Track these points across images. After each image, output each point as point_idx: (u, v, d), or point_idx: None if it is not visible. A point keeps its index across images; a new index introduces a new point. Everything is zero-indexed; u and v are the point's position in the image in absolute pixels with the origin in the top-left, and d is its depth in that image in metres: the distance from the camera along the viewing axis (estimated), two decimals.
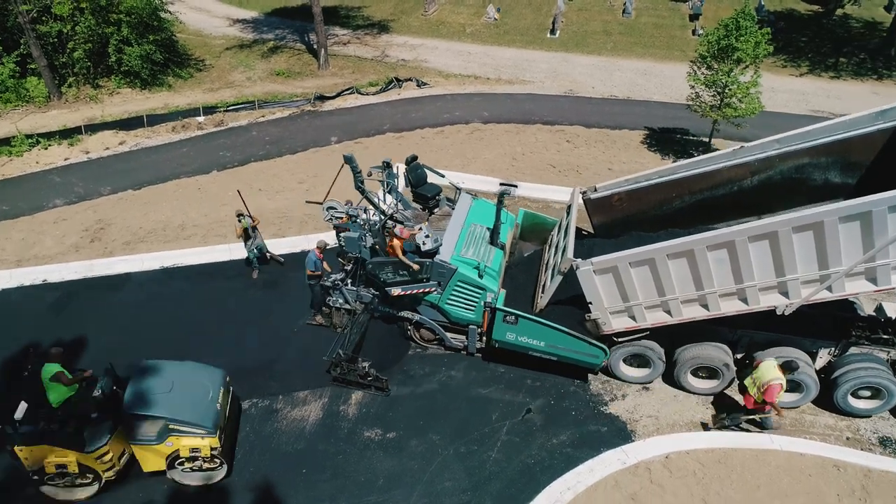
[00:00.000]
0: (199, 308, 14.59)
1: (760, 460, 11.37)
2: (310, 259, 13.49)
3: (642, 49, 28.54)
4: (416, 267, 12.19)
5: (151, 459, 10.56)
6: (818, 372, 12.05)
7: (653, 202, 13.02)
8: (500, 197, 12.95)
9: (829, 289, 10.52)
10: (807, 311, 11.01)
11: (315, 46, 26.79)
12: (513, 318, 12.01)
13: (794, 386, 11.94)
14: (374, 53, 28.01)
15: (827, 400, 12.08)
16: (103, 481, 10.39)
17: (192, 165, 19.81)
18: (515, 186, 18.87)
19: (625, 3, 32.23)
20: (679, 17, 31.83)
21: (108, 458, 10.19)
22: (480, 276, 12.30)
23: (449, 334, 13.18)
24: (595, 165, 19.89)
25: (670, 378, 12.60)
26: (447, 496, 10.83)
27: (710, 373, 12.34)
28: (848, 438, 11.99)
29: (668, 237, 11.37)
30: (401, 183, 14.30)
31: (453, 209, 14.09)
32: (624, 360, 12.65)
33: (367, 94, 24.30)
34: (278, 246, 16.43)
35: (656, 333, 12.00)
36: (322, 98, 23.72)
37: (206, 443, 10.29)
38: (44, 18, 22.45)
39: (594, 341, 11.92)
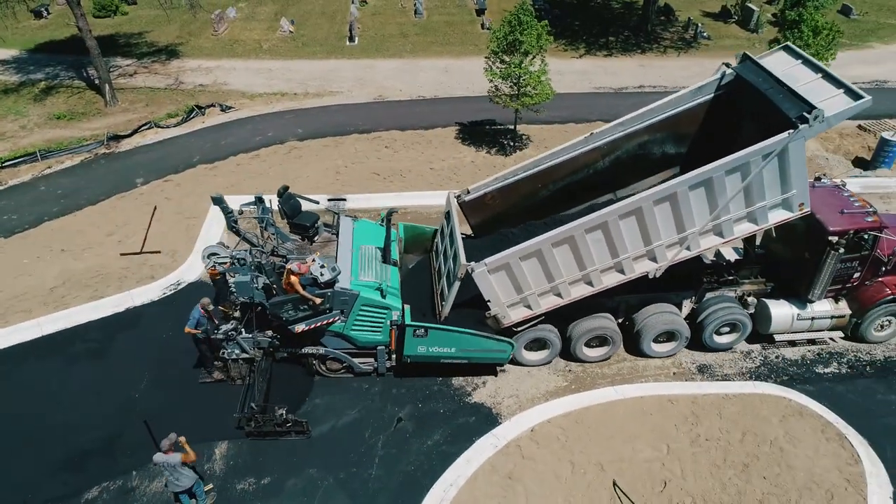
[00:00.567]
0: (14, 398, 12.87)
1: (609, 412, 12.65)
2: (192, 318, 12.38)
3: (439, 47, 29.75)
4: (317, 301, 11.74)
5: None
6: (686, 317, 13.65)
7: (522, 195, 13.74)
8: (388, 215, 12.99)
9: (688, 248, 12.09)
10: (667, 269, 12.37)
11: (97, 82, 24.41)
12: (423, 331, 12.10)
13: (669, 336, 13.51)
14: (166, 82, 26.19)
15: (695, 342, 13.75)
16: None
17: None
18: (344, 200, 19.03)
19: (415, 4, 33.33)
20: (467, 12, 33.60)
21: None
22: (384, 297, 12.22)
23: (356, 360, 12.97)
24: (417, 167, 20.50)
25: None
26: None
27: (601, 341, 13.48)
28: (675, 373, 13.75)
29: (550, 226, 12.19)
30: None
31: (333, 234, 13.79)
32: (525, 347, 13.29)
33: (168, 127, 22.72)
34: (100, 308, 14.93)
35: (549, 316, 12.78)
36: (117, 138, 21.76)
37: None
38: None
39: (501, 337, 12.42)
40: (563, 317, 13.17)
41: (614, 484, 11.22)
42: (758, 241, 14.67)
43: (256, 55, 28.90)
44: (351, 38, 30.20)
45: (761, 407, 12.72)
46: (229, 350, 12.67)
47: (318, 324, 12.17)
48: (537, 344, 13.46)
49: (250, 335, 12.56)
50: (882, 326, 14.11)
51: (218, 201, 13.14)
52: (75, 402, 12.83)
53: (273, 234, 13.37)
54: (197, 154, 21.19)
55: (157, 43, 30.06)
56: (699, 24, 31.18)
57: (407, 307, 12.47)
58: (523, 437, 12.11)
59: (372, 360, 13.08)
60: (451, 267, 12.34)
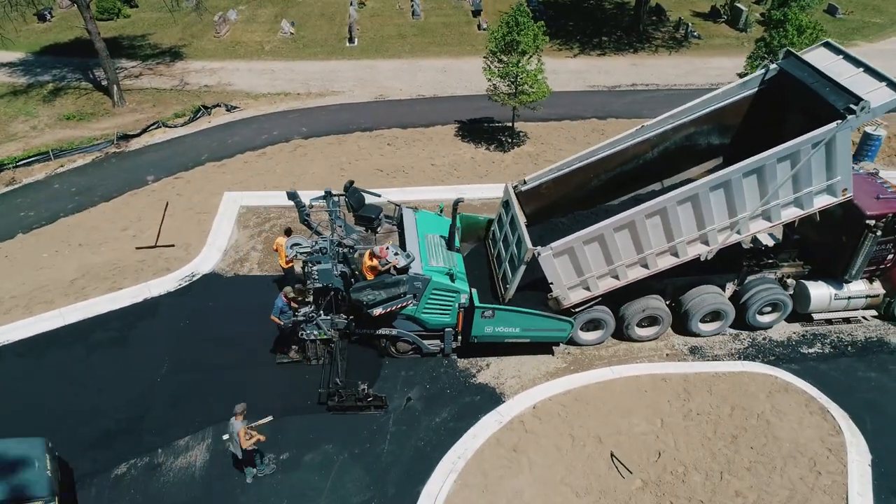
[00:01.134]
0: (41, 383, 13.53)
1: (607, 390, 13.42)
2: (276, 306, 13.12)
3: (437, 48, 30.48)
4: (399, 263, 12.49)
5: None
6: (730, 299, 14.51)
7: (574, 185, 14.55)
8: (455, 205, 13.71)
9: (738, 232, 12.91)
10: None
11: (105, 83, 25.04)
12: (490, 312, 12.85)
13: (715, 315, 14.28)
14: (172, 83, 26.84)
15: (739, 321, 14.63)
16: None
17: None
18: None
19: (413, 6, 34.06)
20: (463, 13, 34.35)
21: None
22: (453, 281, 12.97)
23: (425, 341, 13.72)
24: (419, 164, 21.22)
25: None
26: (352, 496, 11.45)
27: (652, 320, 14.27)
28: (668, 354, 14.53)
29: (597, 215, 13.15)
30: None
31: (393, 225, 14.54)
32: (581, 328, 14.03)
33: (176, 127, 23.37)
34: (119, 299, 15.59)
35: (603, 298, 13.57)
36: (126, 137, 22.39)
37: None
38: None
39: (561, 317, 13.17)
40: (615, 299, 13.88)
41: (612, 455, 11.98)
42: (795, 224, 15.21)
43: (259, 56, 29.57)
44: (351, 40, 30.90)
45: (749, 384, 13.51)
46: (308, 331, 13.40)
47: (394, 307, 12.88)
48: (592, 324, 14.22)
49: (328, 318, 13.35)
50: None
51: (292, 196, 13.97)
52: (99, 387, 13.48)
53: (340, 226, 14.05)
54: (205, 152, 21.85)
55: (161, 45, 30.69)
56: (689, 24, 32.04)
57: (474, 290, 13.15)
58: (526, 413, 12.86)
59: (438, 341, 13.83)
60: (515, 251, 13.06)
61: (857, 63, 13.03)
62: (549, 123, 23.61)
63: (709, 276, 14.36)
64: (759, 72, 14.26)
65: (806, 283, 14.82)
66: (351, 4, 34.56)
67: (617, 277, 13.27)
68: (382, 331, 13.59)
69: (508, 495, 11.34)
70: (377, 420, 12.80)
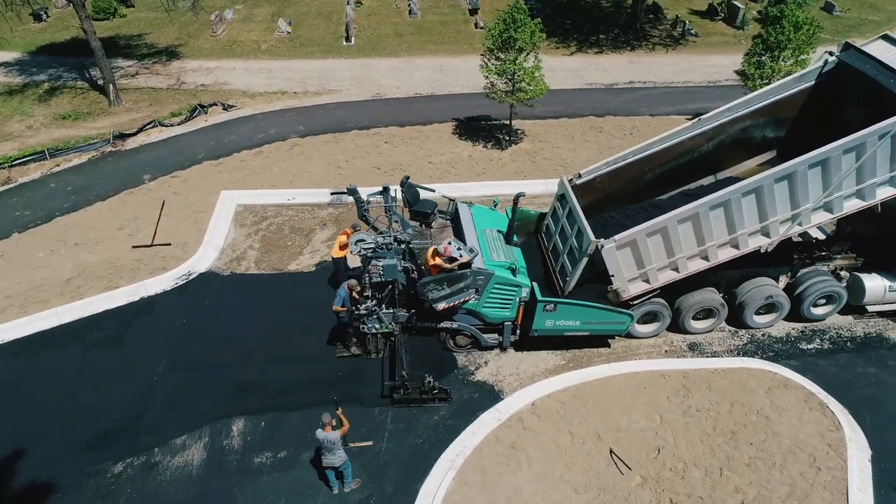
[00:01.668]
0: (37, 383, 13.46)
1: (606, 386, 13.37)
2: (339, 296, 13.17)
3: (434, 46, 30.41)
4: (465, 259, 12.47)
5: None
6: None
7: (628, 178, 14.56)
8: (515, 199, 13.76)
9: (800, 224, 12.90)
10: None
11: (101, 82, 24.94)
12: (552, 305, 12.85)
13: (770, 307, 14.32)
14: (168, 82, 26.74)
15: (793, 314, 14.64)
16: None
17: None
18: (346, 193, 19.63)
19: (410, 5, 34.00)
20: (460, 12, 34.29)
21: None
22: (514, 275, 12.97)
23: (485, 335, 13.77)
24: (416, 161, 21.15)
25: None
26: (350, 494, 11.38)
27: (707, 313, 14.31)
28: (666, 351, 14.48)
29: (648, 210, 13.33)
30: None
31: (447, 220, 14.60)
32: (637, 321, 14.01)
33: (172, 126, 23.28)
34: (115, 298, 15.51)
35: (661, 290, 13.57)
36: (122, 136, 22.30)
37: None
38: None
39: (621, 309, 13.17)
40: (670, 292, 13.90)
41: (611, 451, 11.93)
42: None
43: (255, 55, 29.49)
44: (347, 38, 30.83)
45: (748, 380, 13.47)
46: (369, 325, 13.36)
47: (457, 301, 12.90)
48: (648, 317, 14.21)
49: (390, 311, 13.33)
50: None
51: (352, 192, 14.07)
52: (96, 386, 13.41)
53: (396, 221, 14.04)
54: (202, 151, 21.77)
55: (157, 44, 30.58)
56: (686, 22, 32.02)
57: (535, 284, 13.12)
58: (524, 410, 12.80)
59: (496, 335, 13.85)
60: (575, 244, 13.02)
61: None
62: (546, 121, 23.56)
63: (763, 268, 14.38)
64: (818, 64, 14.26)
65: (860, 275, 14.75)
66: (348, 3, 34.51)
67: (677, 270, 13.27)
68: (444, 324, 13.61)
69: (507, 492, 11.28)
70: (375, 418, 12.74)
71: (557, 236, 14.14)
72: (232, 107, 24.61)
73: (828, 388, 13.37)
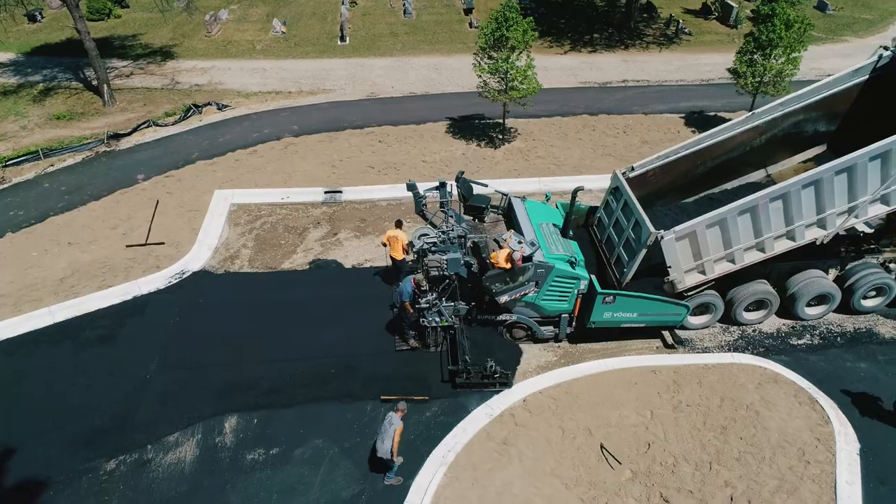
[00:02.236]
0: (29, 382, 13.49)
1: (597, 383, 13.43)
2: (405, 290, 13.24)
3: (429, 46, 30.49)
4: (528, 268, 12.75)
5: None
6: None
7: (680, 172, 14.69)
8: (574, 193, 13.96)
9: (856, 216, 13.06)
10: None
11: (95, 83, 24.97)
12: (611, 298, 12.97)
13: (821, 299, 14.51)
14: (163, 82, 26.78)
15: (843, 306, 14.74)
16: None
17: None
18: (340, 192, 19.76)
19: (405, 5, 34.07)
20: (455, 12, 34.38)
21: None
22: (574, 268, 13.14)
23: (541, 327, 13.91)
24: (410, 160, 21.22)
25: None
26: (343, 490, 11.42)
27: (759, 304, 14.46)
28: (657, 348, 14.55)
29: (701, 205, 13.47)
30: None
31: (499, 215, 14.82)
32: (691, 312, 14.09)
33: (167, 126, 23.32)
34: (108, 297, 15.55)
35: (714, 282, 13.68)
36: (116, 136, 22.34)
37: None
38: None
39: (677, 301, 13.28)
40: (723, 283, 14.03)
41: (602, 446, 11.99)
42: None
43: (250, 55, 29.54)
44: (342, 38, 30.89)
45: (738, 375, 13.54)
46: (430, 318, 13.42)
47: (518, 294, 13.07)
48: (702, 308, 14.33)
49: (451, 304, 13.45)
50: None
51: (411, 187, 14.29)
52: (89, 384, 13.44)
53: (451, 216, 14.23)
54: (196, 150, 21.81)
55: (152, 45, 30.63)
56: (680, 21, 32.13)
57: (594, 277, 13.28)
58: (516, 406, 12.86)
59: (552, 327, 14.02)
60: (632, 236, 13.14)
61: None
62: (540, 120, 23.65)
63: (813, 260, 14.48)
64: (872, 58, 14.36)
65: None
66: (343, 3, 34.57)
67: (733, 261, 13.39)
68: (502, 317, 13.77)
69: (498, 487, 11.34)
70: (367, 414, 12.78)
71: (612, 229, 14.30)
72: (226, 107, 24.66)
73: (818, 383, 13.44)
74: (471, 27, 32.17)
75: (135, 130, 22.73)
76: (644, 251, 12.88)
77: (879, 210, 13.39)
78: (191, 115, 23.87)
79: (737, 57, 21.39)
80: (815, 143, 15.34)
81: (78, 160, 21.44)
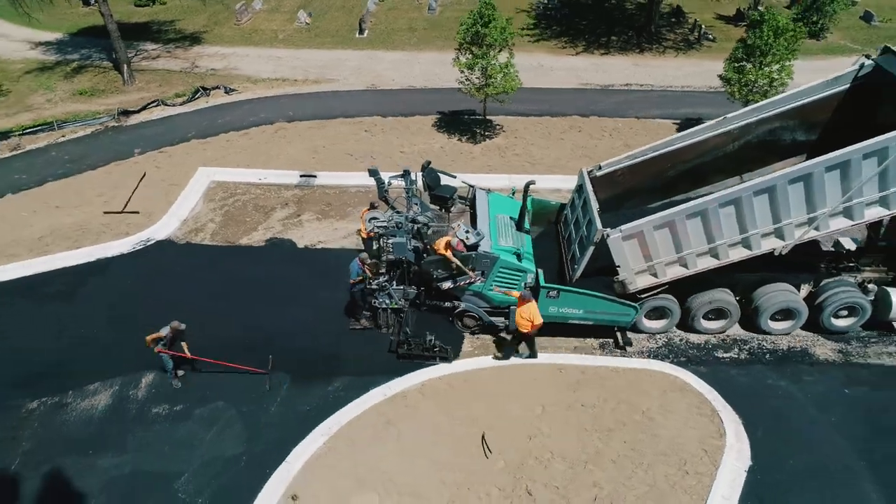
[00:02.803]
0: None
1: (499, 376, 13.57)
2: (352, 268, 14.04)
3: (442, 41, 30.83)
4: (471, 275, 13.27)
5: None
6: (805, 300, 14.19)
7: (650, 174, 14.60)
8: (526, 187, 14.34)
9: (817, 228, 12.63)
10: (787, 253, 13.04)
11: (116, 63, 26.83)
12: (555, 292, 13.29)
13: (787, 314, 14.15)
14: (183, 65, 28.45)
15: (812, 323, 14.21)
16: None
17: None
18: (314, 177, 20.53)
19: (430, 1, 34.60)
20: (473, 5, 34.53)
21: None
22: (520, 260, 13.57)
23: (491, 318, 14.31)
24: (388, 150, 21.76)
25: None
26: (228, 450, 12.10)
27: (719, 314, 14.21)
28: (575, 347, 14.49)
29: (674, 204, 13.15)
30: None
31: (466, 205, 15.20)
32: (645, 315, 14.24)
33: (174, 105, 24.82)
34: (76, 257, 16.90)
35: (670, 287, 13.66)
36: (126, 113, 23.98)
37: None
38: None
39: (625, 301, 13.49)
40: (683, 289, 13.84)
41: (483, 435, 12.17)
42: (882, 230, 14.81)
43: (271, 44, 30.87)
44: (361, 31, 31.76)
45: (645, 381, 13.36)
46: (380, 300, 14.15)
47: (461, 283, 13.60)
48: (657, 313, 14.22)
49: (400, 288, 14.11)
50: None
51: (373, 173, 14.73)
52: (40, 333, 14.69)
53: (416, 204, 14.79)
54: (193, 130, 23.14)
55: (185, 30, 32.49)
56: (703, 26, 31.19)
57: (541, 271, 13.59)
58: (412, 390, 13.18)
59: (503, 318, 14.27)
60: (585, 233, 13.38)
61: None
62: (528, 118, 23.68)
63: (783, 273, 14.11)
64: (854, 67, 13.91)
65: (888, 289, 14.16)
66: None
67: (686, 266, 13.25)
68: (451, 304, 14.17)
69: (370, 461, 11.73)
70: (272, 383, 13.41)
71: (573, 226, 14.43)
72: (234, 91, 25.96)
73: (728, 396, 13.07)
74: None
75: (143, 108, 24.31)
76: (592, 248, 12.90)
77: (842, 224, 12.81)
78: (198, 97, 25.29)
79: (726, 63, 20.75)
80: (794, 153, 14.72)
81: (88, 133, 23.19)
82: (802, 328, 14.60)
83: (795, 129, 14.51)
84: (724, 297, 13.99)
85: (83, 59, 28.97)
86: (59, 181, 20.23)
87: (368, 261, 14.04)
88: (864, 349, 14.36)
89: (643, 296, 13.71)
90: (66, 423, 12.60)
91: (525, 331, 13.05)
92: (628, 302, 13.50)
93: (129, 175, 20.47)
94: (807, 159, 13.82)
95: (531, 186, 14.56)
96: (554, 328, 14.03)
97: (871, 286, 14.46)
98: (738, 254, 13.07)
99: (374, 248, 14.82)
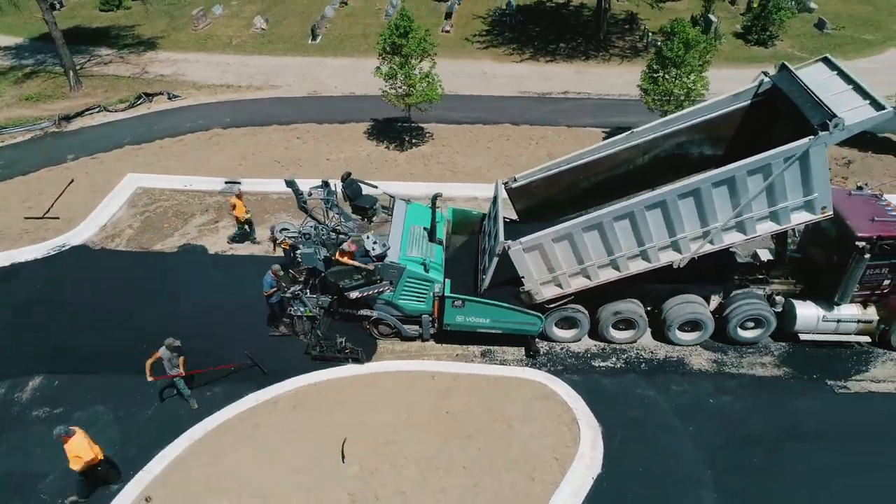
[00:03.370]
0: None
1: (374, 383, 13.94)
2: (266, 281, 14.51)
3: None
4: (371, 267, 13.70)
5: None
6: (713, 312, 14.56)
7: (563, 186, 15.04)
8: (433, 199, 14.80)
9: (711, 242, 13.04)
10: (697, 264, 13.42)
11: (63, 69, 27.31)
12: (460, 302, 13.75)
13: (694, 325, 14.47)
14: (133, 71, 28.91)
15: (720, 334, 14.56)
16: None
17: None
18: (238, 183, 20.91)
19: (388, 7, 34.94)
20: (436, 16, 34.90)
21: None
22: (427, 271, 13.98)
23: (405, 326, 14.68)
24: (315, 158, 22.15)
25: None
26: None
27: (628, 324, 14.59)
28: (457, 355, 14.85)
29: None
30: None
31: (390, 216, 15.60)
32: (556, 324, 14.64)
33: (116, 111, 25.28)
34: None
35: (580, 297, 14.08)
36: (67, 118, 24.46)
37: None
38: None
39: (530, 311, 13.89)
40: (594, 299, 14.28)
41: (343, 441, 12.52)
42: (791, 243, 15.28)
43: (223, 50, 31.29)
44: (314, 37, 32.14)
45: (513, 389, 13.68)
46: (295, 308, 14.58)
47: (370, 292, 14.03)
48: (567, 322, 14.66)
49: (314, 296, 14.54)
50: None
51: (290, 184, 15.11)
52: None
53: (337, 214, 15.26)
54: (129, 136, 23.59)
55: (142, 36, 32.95)
56: (651, 33, 31.41)
57: (448, 281, 14.03)
58: (284, 396, 13.55)
59: (417, 326, 14.69)
60: (493, 244, 13.77)
61: (848, 80, 12.85)
62: (460, 126, 24.01)
63: (692, 285, 14.45)
64: (754, 84, 14.24)
65: (794, 301, 14.51)
66: (332, 3, 35.81)
67: (588, 277, 13.62)
68: (364, 312, 14.54)
69: (229, 466, 12.11)
70: (153, 390, 13.78)
71: (486, 237, 14.83)
72: (177, 97, 26.40)
73: (594, 405, 13.40)
74: (442, 32, 32.66)
75: (81, 114, 24.75)
76: (496, 259, 13.29)
77: (737, 238, 13.17)
78: (140, 103, 25.74)
79: (642, 74, 21.02)
80: (703, 167, 14.81)
81: (26, 138, 23.69)
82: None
83: (702, 143, 14.80)
84: (630, 307, 14.34)
85: (37, 65, 29.51)
86: None
87: (280, 272, 14.45)
88: (739, 360, 14.68)
89: (551, 306, 14.09)
90: None
91: (77, 468, 11.29)
92: (532, 312, 13.86)
93: (58, 181, 20.91)
94: None
95: (438, 198, 14.94)
96: (463, 337, 14.56)
97: (778, 298, 14.76)
98: (638, 266, 13.47)
99: (291, 257, 15.21)
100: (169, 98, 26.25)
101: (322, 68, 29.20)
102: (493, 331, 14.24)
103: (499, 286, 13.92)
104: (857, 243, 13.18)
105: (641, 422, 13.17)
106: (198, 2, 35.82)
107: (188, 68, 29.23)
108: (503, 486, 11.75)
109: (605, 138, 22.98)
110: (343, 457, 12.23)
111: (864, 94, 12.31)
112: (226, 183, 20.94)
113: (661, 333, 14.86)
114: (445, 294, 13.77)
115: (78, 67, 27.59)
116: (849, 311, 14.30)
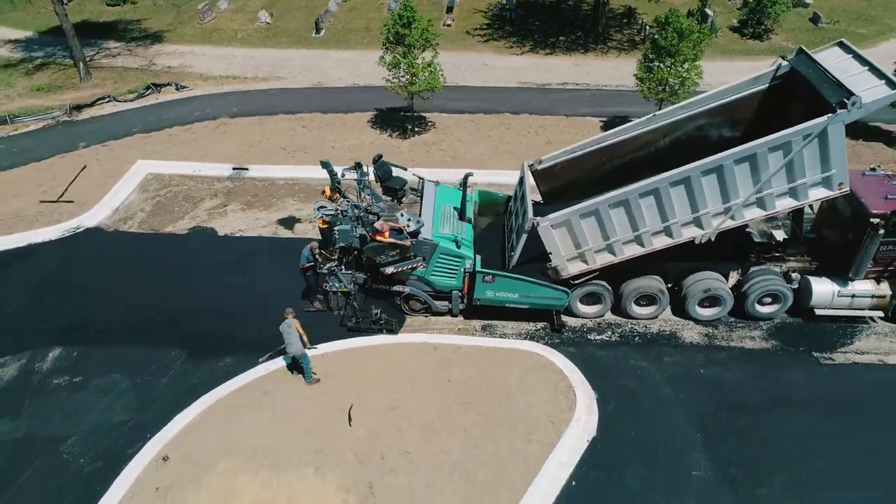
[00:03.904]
0: None
1: (379, 352, 14.57)
2: (304, 255, 15.17)
3: None
4: (407, 243, 14.26)
5: None
6: (732, 288, 15.06)
7: (587, 167, 15.54)
8: (464, 179, 15.45)
9: (732, 217, 13.54)
10: (717, 243, 13.94)
11: (73, 60, 27.95)
12: (490, 277, 14.33)
13: (713, 301, 15.03)
14: (141, 63, 29.51)
15: (738, 309, 15.13)
16: None
17: None
18: (246, 169, 21.56)
19: (390, 1, 35.54)
20: (438, 10, 35.50)
21: None
22: (458, 247, 14.59)
23: (436, 301, 15.22)
24: (320, 145, 22.75)
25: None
26: (116, 416, 13.17)
27: (649, 300, 15.13)
28: (459, 329, 15.46)
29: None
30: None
31: (417, 196, 16.17)
32: (580, 300, 15.17)
33: (125, 101, 25.89)
34: (6, 242, 18.01)
35: (604, 274, 14.61)
36: (78, 108, 25.08)
37: None
38: None
39: (557, 286, 14.46)
40: (617, 276, 14.81)
41: (350, 407, 13.15)
42: (809, 219, 15.80)
43: (229, 43, 31.89)
44: (318, 31, 32.75)
45: (512, 360, 14.31)
46: (330, 283, 15.14)
47: (404, 267, 14.59)
48: (591, 298, 15.19)
49: (349, 273, 15.14)
50: None
51: (325, 165, 15.76)
52: None
53: (369, 195, 15.84)
54: (139, 125, 24.21)
55: (149, 29, 33.54)
56: (648, 26, 31.99)
57: (478, 257, 14.64)
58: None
59: (447, 302, 15.28)
60: (521, 222, 14.28)
61: (863, 62, 13.45)
62: (462, 115, 24.61)
63: (711, 262, 15.01)
64: (772, 68, 14.79)
65: (810, 277, 15.04)
66: None
67: (613, 253, 14.11)
68: (396, 288, 15.10)
69: (242, 428, 12.75)
70: (167, 358, 14.44)
71: (513, 216, 15.42)
72: (185, 87, 27.01)
73: (589, 374, 14.01)
74: (444, 26, 33.25)
75: (93, 104, 25.38)
76: (525, 236, 13.84)
77: (757, 214, 13.72)
78: (149, 94, 26.36)
79: (638, 64, 21.62)
80: (722, 149, 15.30)
81: (39, 127, 24.31)
82: (674, 313, 15.56)
83: (721, 125, 15.26)
84: (652, 283, 14.91)
85: (46, 57, 30.12)
86: (4, 172, 21.34)
87: (317, 249, 15.13)
88: (729, 333, 15.29)
89: (576, 282, 14.64)
90: None
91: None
92: (560, 287, 14.44)
93: (71, 167, 21.54)
94: None
95: (469, 178, 15.64)
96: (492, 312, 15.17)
97: (794, 275, 15.30)
98: (661, 242, 13.98)
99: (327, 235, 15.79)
100: (177, 89, 26.86)
101: (326, 60, 29.80)
102: (520, 306, 14.77)
103: (526, 263, 14.44)
104: (871, 220, 13.71)
105: (635, 390, 13.77)
106: None
107: (195, 60, 29.84)
108: (502, 447, 12.37)
109: (602, 127, 23.73)
110: (350, 420, 12.85)
111: (880, 74, 12.93)
112: (233, 169, 21.57)
113: (681, 310, 15.40)
114: (477, 269, 14.33)
115: (87, 59, 28.20)
116: (863, 286, 14.82)
